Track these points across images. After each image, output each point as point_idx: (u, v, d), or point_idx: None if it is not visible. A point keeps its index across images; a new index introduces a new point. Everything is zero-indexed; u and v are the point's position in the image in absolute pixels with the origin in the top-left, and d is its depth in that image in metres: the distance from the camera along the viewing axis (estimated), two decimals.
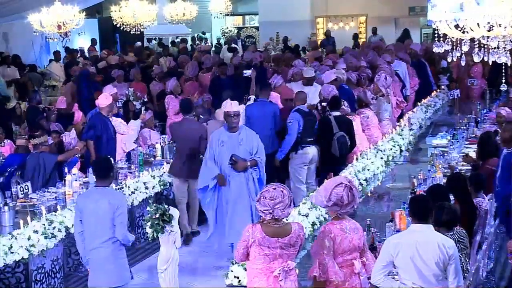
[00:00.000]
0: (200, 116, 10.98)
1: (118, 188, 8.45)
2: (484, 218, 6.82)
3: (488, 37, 5.76)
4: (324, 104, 10.35)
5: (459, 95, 12.99)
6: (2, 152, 10.19)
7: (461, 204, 6.58)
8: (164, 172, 9.62)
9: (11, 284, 7.30)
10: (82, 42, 22.95)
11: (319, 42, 22.37)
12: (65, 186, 8.52)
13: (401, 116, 13.11)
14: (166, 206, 6.83)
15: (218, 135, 8.37)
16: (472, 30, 5.66)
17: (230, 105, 8.35)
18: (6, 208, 7.53)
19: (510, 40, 5.75)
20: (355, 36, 22.89)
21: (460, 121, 11.90)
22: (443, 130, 11.90)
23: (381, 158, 10.38)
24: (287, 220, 5.70)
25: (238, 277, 7.13)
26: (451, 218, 5.92)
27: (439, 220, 5.81)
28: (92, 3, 21.13)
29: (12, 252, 7.00)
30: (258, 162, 8.24)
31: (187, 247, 8.95)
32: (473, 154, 9.18)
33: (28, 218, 7.38)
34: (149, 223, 6.76)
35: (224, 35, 28.03)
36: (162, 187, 9.47)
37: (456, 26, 5.75)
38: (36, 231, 7.23)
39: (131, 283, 6.68)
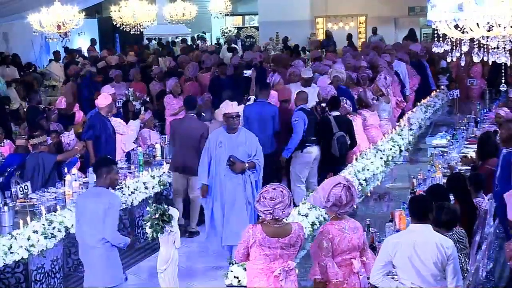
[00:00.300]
0: (203, 114, 10.92)
1: (118, 188, 8.44)
2: (484, 218, 6.82)
3: (487, 37, 5.77)
4: (323, 105, 10.34)
5: (458, 95, 13.00)
6: (1, 152, 10.17)
7: (461, 204, 6.57)
8: (164, 172, 9.62)
9: (11, 284, 7.29)
10: (81, 42, 22.94)
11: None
12: (64, 186, 8.52)
13: (401, 116, 13.11)
14: (165, 206, 6.84)
15: (216, 136, 8.28)
16: (471, 30, 5.67)
17: (231, 107, 8.27)
18: (5, 208, 7.52)
19: (510, 40, 5.76)
20: (349, 37, 22.79)
21: (460, 121, 11.90)
22: (443, 130, 11.86)
23: (381, 158, 10.37)
24: (287, 220, 5.70)
25: (237, 277, 7.13)
26: (450, 218, 5.92)
27: (439, 220, 5.80)
28: (92, 3, 21.12)
29: (11, 252, 6.99)
30: (257, 164, 8.18)
31: (187, 247, 8.93)
32: (473, 154, 9.18)
33: (28, 218, 7.37)
34: (148, 223, 6.77)
35: (224, 35, 28.01)
36: (161, 187, 9.47)
37: (456, 26, 5.76)
38: (35, 231, 7.22)
39: (130, 284, 6.68)
